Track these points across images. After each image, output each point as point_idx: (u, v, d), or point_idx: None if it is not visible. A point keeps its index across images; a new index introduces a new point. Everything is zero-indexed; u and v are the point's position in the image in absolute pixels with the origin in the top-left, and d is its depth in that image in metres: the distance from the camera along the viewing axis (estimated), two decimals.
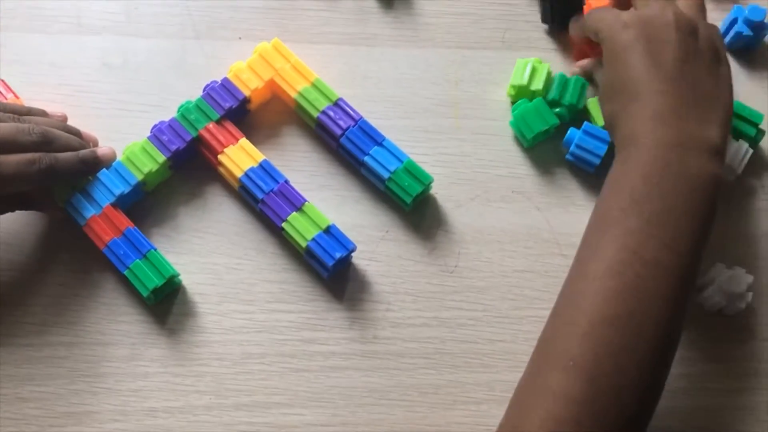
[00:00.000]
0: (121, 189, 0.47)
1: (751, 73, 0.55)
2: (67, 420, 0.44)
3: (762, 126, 0.51)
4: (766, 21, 0.54)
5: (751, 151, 0.50)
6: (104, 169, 0.48)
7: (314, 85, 0.50)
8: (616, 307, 0.36)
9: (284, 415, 0.45)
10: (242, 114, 0.51)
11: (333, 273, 0.47)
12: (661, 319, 0.37)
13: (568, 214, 0.50)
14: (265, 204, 0.47)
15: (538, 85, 0.52)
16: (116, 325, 0.46)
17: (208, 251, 0.48)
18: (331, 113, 0.49)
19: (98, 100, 0.52)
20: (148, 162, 0.48)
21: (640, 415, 0.36)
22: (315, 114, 0.49)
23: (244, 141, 0.49)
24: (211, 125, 0.49)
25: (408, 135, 0.52)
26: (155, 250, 0.46)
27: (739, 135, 0.51)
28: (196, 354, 0.46)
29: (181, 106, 0.50)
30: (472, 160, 0.52)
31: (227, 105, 0.49)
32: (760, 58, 0.55)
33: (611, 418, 0.35)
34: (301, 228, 0.46)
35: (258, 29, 0.55)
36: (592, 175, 0.51)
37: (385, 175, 0.48)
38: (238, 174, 0.48)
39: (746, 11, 0.54)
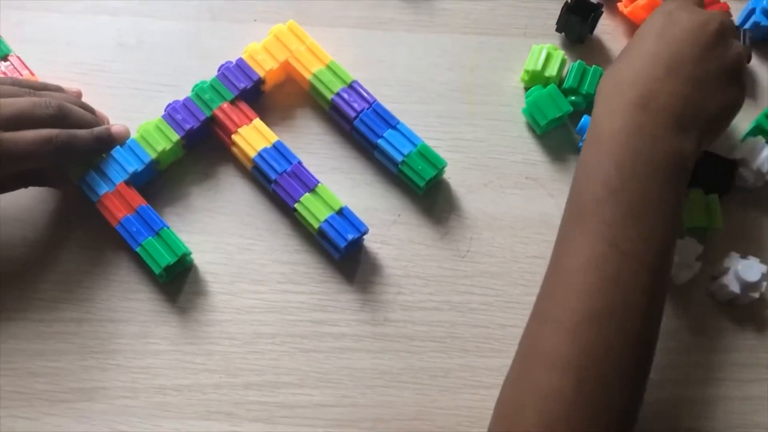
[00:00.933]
0: (134, 167, 0.47)
1: None
2: (77, 395, 0.44)
3: None
4: None
5: None
6: (118, 146, 0.48)
7: (329, 67, 0.50)
8: (598, 301, 0.36)
9: (294, 395, 0.45)
10: (256, 95, 0.51)
11: (345, 254, 0.47)
12: (642, 311, 0.37)
13: None
14: (278, 185, 0.47)
15: (552, 71, 0.51)
16: (127, 303, 0.46)
17: (221, 231, 0.48)
18: (346, 95, 0.49)
19: (113, 79, 0.52)
20: (162, 140, 0.48)
21: (629, 407, 0.36)
22: (329, 96, 0.49)
23: (257, 121, 0.49)
24: (225, 105, 0.49)
25: (422, 120, 0.52)
26: (168, 228, 0.46)
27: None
28: (206, 333, 0.46)
29: (196, 86, 0.50)
30: (485, 145, 0.52)
31: (242, 85, 0.49)
32: None
33: (601, 412, 0.35)
34: (314, 209, 0.46)
35: (273, 11, 0.55)
36: None
37: (399, 158, 0.48)
38: (252, 154, 0.48)
39: (764, 1, 0.53)
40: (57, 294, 0.46)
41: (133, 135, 0.49)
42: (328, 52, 0.52)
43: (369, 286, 0.47)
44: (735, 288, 0.46)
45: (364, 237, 0.47)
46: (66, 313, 0.46)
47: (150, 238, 0.45)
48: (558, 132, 0.52)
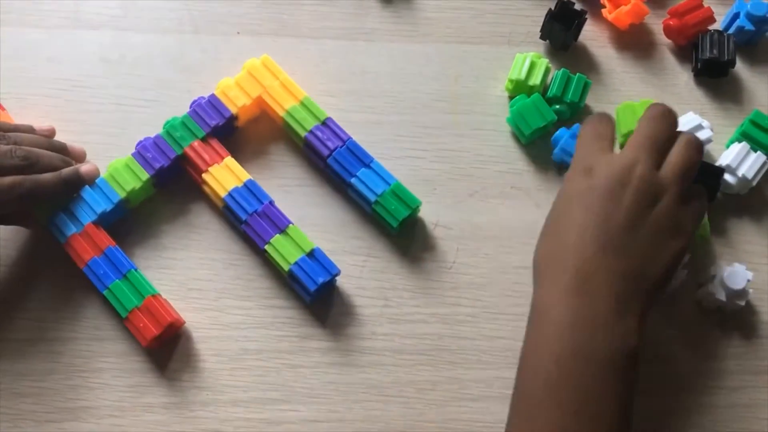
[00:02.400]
0: (103, 207, 0.46)
1: (752, 67, 0.55)
2: (64, 415, 0.44)
3: None
4: (767, 15, 0.53)
5: None
6: (87, 186, 0.47)
7: (303, 104, 0.49)
8: None
9: (281, 411, 0.44)
10: (230, 131, 0.50)
11: (316, 298, 0.46)
12: None
13: None
14: (249, 225, 0.46)
15: (536, 80, 0.51)
16: (113, 321, 0.46)
17: (206, 247, 0.48)
18: (319, 133, 0.49)
19: (95, 95, 0.52)
20: (131, 179, 0.47)
21: None
22: (302, 133, 0.49)
23: (229, 159, 0.48)
24: (196, 143, 0.48)
25: (406, 130, 0.52)
26: (135, 270, 0.46)
27: (756, 144, 0.50)
28: (193, 350, 0.46)
29: (167, 123, 0.49)
30: (470, 155, 0.51)
31: (213, 122, 0.49)
32: (761, 53, 0.55)
33: None
34: (284, 251, 0.45)
35: (256, 24, 0.55)
36: None
37: (372, 198, 0.47)
38: (222, 194, 0.47)
39: (748, 6, 0.54)
40: (41, 313, 0.46)
41: (103, 173, 0.48)
42: (311, 64, 0.52)
43: (355, 299, 0.47)
44: (721, 296, 0.46)
45: (336, 278, 0.47)
46: (51, 332, 0.46)
47: (117, 281, 0.45)
48: (543, 141, 0.52)
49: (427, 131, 0.52)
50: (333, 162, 0.48)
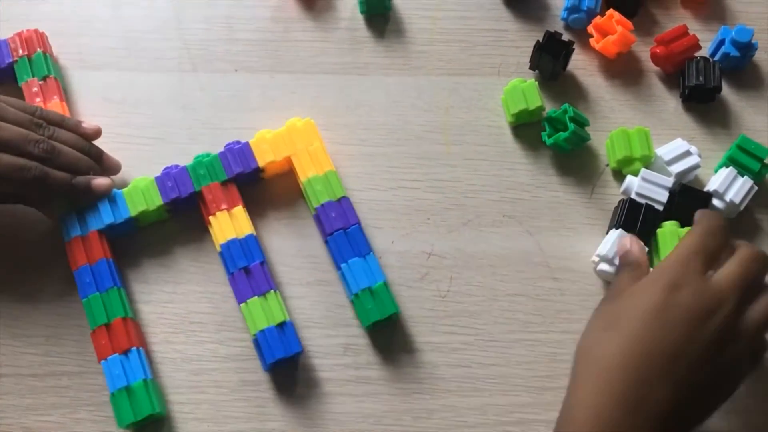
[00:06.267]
0: (111, 219, 0.48)
1: (738, 92, 0.56)
2: None
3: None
4: (752, 41, 0.54)
5: (755, 188, 0.50)
6: (105, 197, 0.49)
7: (326, 176, 0.50)
8: None
9: None
10: (254, 179, 0.52)
11: (273, 368, 0.46)
12: None
13: (560, 237, 0.51)
14: (233, 279, 0.47)
15: (536, 102, 0.53)
16: None
17: (206, 280, 0.50)
18: (329, 210, 0.49)
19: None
20: (146, 201, 0.49)
21: None
22: (314, 205, 0.49)
23: (239, 209, 0.49)
24: (215, 185, 0.50)
25: (400, 161, 0.53)
26: (119, 287, 0.47)
27: (743, 169, 0.51)
28: (194, 381, 0.47)
29: (197, 158, 0.51)
30: (463, 185, 0.53)
31: (238, 170, 0.50)
32: (747, 78, 0.56)
33: None
34: (256, 315, 0.46)
35: (254, 61, 0.57)
36: (583, 196, 0.52)
37: (353, 290, 0.47)
38: (221, 240, 0.48)
39: (733, 32, 0.54)
40: (48, 348, 0.48)
41: (126, 186, 0.50)
42: (308, 99, 0.53)
43: (352, 329, 0.48)
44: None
45: (298, 355, 0.46)
46: (58, 366, 0.47)
47: (97, 294, 0.46)
48: (536, 167, 0.53)
49: (420, 162, 0.53)
50: (331, 241, 0.49)
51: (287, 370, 0.47)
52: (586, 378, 0.39)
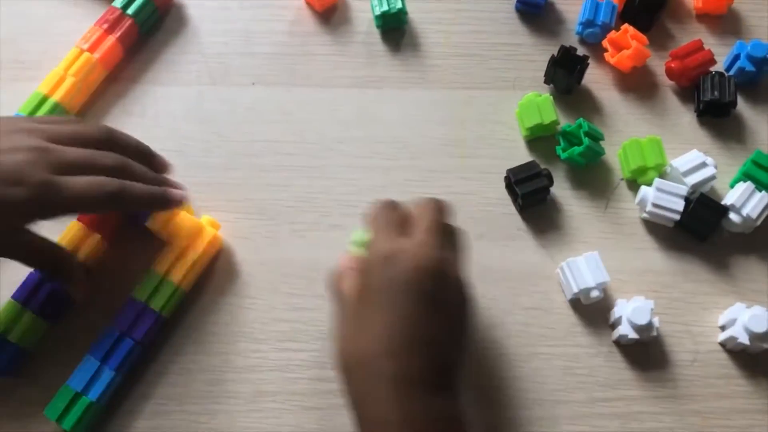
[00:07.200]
0: None
1: (754, 107, 0.56)
2: None
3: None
4: (767, 56, 0.54)
5: None
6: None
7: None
8: None
9: None
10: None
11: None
12: None
13: (573, 251, 0.51)
14: None
15: (551, 116, 0.53)
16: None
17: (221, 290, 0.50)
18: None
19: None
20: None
21: None
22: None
23: None
24: None
25: (415, 174, 0.54)
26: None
27: (758, 184, 0.51)
28: (210, 392, 0.47)
29: None
30: (477, 198, 0.53)
31: None
32: (762, 92, 0.56)
33: None
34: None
35: (271, 75, 0.57)
36: (597, 210, 0.52)
37: None
38: None
39: (749, 47, 0.55)
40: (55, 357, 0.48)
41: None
42: (323, 112, 0.54)
43: None
44: (744, 339, 0.46)
45: None
46: None
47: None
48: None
49: (434, 175, 0.54)
50: None
51: (299, 379, 0.47)
52: (360, 386, 0.38)
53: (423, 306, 0.38)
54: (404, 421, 0.36)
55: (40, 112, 0.53)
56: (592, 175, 0.54)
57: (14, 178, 0.40)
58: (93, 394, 0.45)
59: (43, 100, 0.53)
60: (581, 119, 0.52)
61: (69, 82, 0.54)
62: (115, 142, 0.47)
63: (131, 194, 0.44)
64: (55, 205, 0.42)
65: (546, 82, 0.56)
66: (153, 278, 0.48)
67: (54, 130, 0.44)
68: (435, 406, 0.37)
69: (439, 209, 0.43)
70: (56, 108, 0.53)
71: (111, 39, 0.55)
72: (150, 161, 0.49)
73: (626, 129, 0.55)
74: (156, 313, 0.47)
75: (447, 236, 0.42)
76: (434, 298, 0.39)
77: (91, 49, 0.55)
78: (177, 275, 0.48)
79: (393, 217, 0.43)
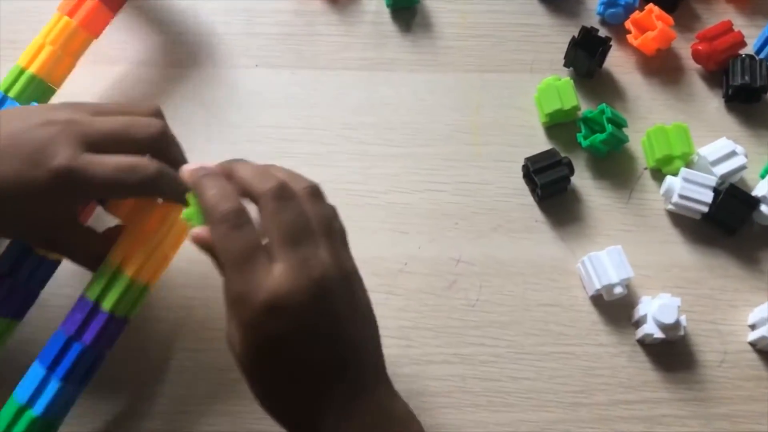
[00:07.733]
0: None
1: None
2: None
3: None
4: None
5: None
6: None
7: None
8: None
9: None
10: None
11: None
12: None
13: (595, 244, 0.49)
14: None
15: (571, 101, 0.50)
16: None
17: None
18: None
19: None
20: None
21: None
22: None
23: None
24: None
25: (427, 162, 0.51)
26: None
27: None
28: (214, 392, 0.45)
29: None
30: (493, 188, 0.50)
31: None
32: None
33: None
34: None
35: (274, 56, 0.54)
36: (619, 201, 0.50)
37: None
38: None
39: None
40: None
41: None
42: (331, 96, 0.51)
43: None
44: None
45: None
46: None
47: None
48: None
49: (448, 163, 0.51)
50: None
51: None
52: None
53: (316, 342, 0.33)
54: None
55: (17, 86, 0.47)
56: (614, 164, 0.51)
57: (37, 156, 0.36)
58: (38, 408, 0.38)
59: (21, 73, 0.47)
60: (604, 105, 0.50)
61: (47, 51, 0.48)
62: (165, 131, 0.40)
63: (167, 182, 0.38)
64: (78, 189, 0.37)
65: (566, 65, 0.53)
66: (105, 271, 0.39)
67: (98, 108, 0.39)
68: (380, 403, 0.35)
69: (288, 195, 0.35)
70: (33, 81, 0.48)
71: (92, 0, 0.49)
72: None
73: (650, 115, 0.52)
74: (106, 313, 0.38)
75: (307, 232, 0.34)
76: (320, 332, 0.34)
77: (71, 13, 0.49)
78: (132, 267, 0.39)
79: (238, 215, 0.34)
